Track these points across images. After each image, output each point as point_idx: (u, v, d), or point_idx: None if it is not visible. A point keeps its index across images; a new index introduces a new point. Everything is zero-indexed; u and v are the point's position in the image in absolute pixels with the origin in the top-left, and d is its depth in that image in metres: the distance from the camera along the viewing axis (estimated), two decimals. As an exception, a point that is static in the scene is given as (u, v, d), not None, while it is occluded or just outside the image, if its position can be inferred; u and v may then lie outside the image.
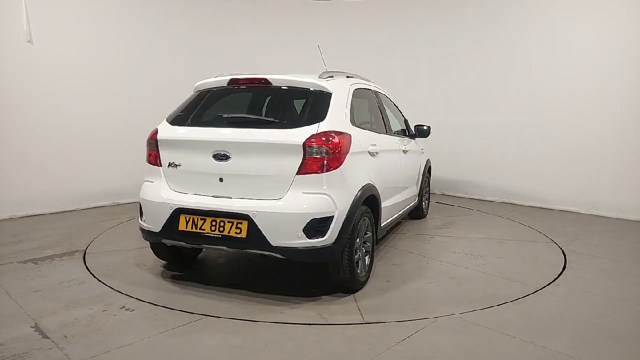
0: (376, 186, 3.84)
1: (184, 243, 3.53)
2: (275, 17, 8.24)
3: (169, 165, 3.59)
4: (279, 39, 8.13)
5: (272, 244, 3.22)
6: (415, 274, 4.10)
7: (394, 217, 4.74)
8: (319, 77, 3.74)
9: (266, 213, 3.22)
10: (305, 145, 3.22)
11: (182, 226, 3.43)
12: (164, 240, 3.62)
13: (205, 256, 4.53)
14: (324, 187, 3.25)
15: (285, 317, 3.21)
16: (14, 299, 3.44)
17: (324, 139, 3.26)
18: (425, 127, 5.54)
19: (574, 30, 6.60)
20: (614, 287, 3.86)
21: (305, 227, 3.18)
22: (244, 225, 3.26)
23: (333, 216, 3.24)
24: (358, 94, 4.12)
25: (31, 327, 3.01)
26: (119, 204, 6.75)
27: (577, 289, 3.81)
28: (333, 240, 3.26)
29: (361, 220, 3.55)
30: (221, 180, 3.41)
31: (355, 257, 3.54)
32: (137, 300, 3.46)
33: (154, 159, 3.69)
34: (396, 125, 5.33)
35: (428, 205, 6.49)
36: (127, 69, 6.87)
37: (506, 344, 2.88)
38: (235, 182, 3.38)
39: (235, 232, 3.28)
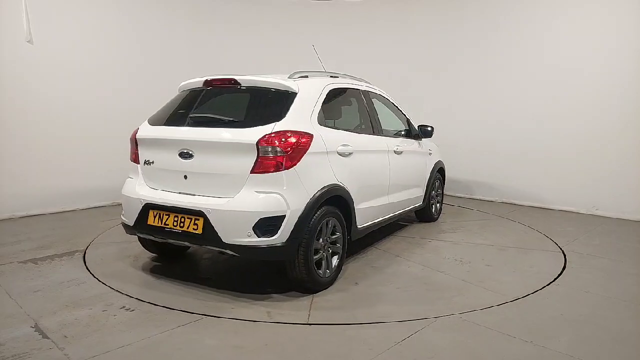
0: (347, 187, 3.82)
1: (152, 237, 3.73)
2: (275, 17, 8.25)
3: (145, 162, 3.80)
4: (279, 39, 8.13)
5: (224, 240, 3.30)
6: (388, 279, 3.98)
7: (381, 219, 4.63)
8: (289, 77, 3.80)
9: (219, 210, 3.30)
10: (258, 144, 3.28)
11: (150, 221, 3.62)
12: (137, 234, 3.85)
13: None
14: (277, 187, 3.29)
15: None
16: (14, 299, 3.44)
17: (277, 138, 3.31)
18: (429, 128, 5.49)
19: (574, 31, 6.60)
20: (614, 287, 3.86)
21: (254, 225, 3.24)
22: (200, 222, 3.37)
23: (285, 215, 3.27)
24: (336, 93, 4.16)
25: (31, 327, 3.01)
26: (119, 204, 6.72)
27: (577, 289, 3.81)
28: (284, 240, 3.29)
29: (323, 221, 3.58)
30: (186, 177, 3.56)
31: (316, 257, 3.56)
32: (137, 300, 3.46)
33: (134, 156, 3.92)
34: (397, 126, 5.30)
35: (440, 208, 6.29)
36: (127, 69, 6.87)
37: (506, 344, 2.88)
38: (197, 179, 3.52)
39: (193, 228, 3.40)
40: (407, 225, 5.85)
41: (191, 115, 3.75)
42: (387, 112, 5.23)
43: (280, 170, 3.29)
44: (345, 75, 4.60)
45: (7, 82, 5.84)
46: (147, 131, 3.84)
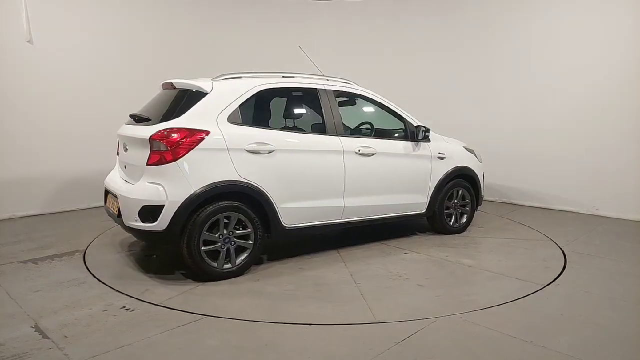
0: (260, 184, 3.94)
1: (109, 215, 4.30)
2: (275, 17, 8.24)
3: (117, 154, 4.56)
4: (278, 39, 8.12)
5: (124, 222, 3.81)
6: (289, 280, 3.91)
7: (337, 221, 4.53)
8: (213, 79, 4.12)
9: (122, 196, 3.85)
10: (150, 139, 3.71)
11: (106, 202, 4.35)
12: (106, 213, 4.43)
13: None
14: (160, 178, 3.66)
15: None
16: (14, 299, 3.45)
17: (164, 134, 3.68)
18: (422, 129, 5.03)
19: (574, 31, 6.59)
20: (614, 287, 3.86)
21: (139, 211, 3.66)
22: (117, 205, 3.95)
23: (164, 205, 3.60)
24: (271, 94, 4.40)
25: (31, 327, 3.01)
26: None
27: (577, 289, 3.81)
28: (164, 227, 3.62)
29: (221, 215, 3.79)
30: (125, 167, 4.24)
31: (208, 247, 3.78)
32: (137, 300, 3.46)
33: (117, 150, 4.58)
34: (390, 127, 5.09)
35: (467, 221, 5.54)
36: (128, 68, 6.86)
37: (506, 344, 2.88)
38: (129, 169, 4.13)
39: (115, 210, 4.01)
40: (412, 234, 5.46)
41: (137, 115, 4.21)
42: (374, 113, 5.09)
43: (164, 164, 3.65)
44: (299, 75, 4.57)
45: (7, 82, 5.85)
46: (121, 128, 4.41)
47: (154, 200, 3.61)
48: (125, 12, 6.84)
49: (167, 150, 3.64)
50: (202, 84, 4.00)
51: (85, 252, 4.59)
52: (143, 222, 3.66)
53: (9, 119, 5.88)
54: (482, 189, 5.72)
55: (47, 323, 3.06)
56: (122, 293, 3.58)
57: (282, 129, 4.40)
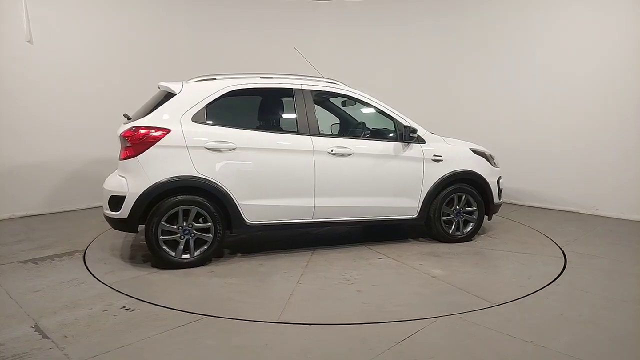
0: (219, 181, 4.12)
1: None
2: (275, 17, 8.24)
3: None
4: (278, 39, 8.12)
5: (103, 211, 4.23)
6: (230, 273, 4.06)
7: (308, 220, 4.52)
8: (187, 81, 4.39)
9: (102, 189, 4.25)
10: (120, 136, 4.15)
11: None
12: None
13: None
14: (125, 172, 4.07)
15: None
16: (14, 299, 3.45)
17: (130, 132, 4.04)
18: (409, 130, 4.77)
19: (574, 31, 6.59)
20: (614, 287, 3.86)
21: (108, 201, 4.10)
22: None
23: (125, 196, 3.97)
24: (239, 94, 4.42)
25: (31, 327, 3.01)
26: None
27: (577, 289, 3.81)
28: (126, 216, 4.00)
29: (180, 208, 4.05)
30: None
31: (166, 237, 4.03)
32: (137, 300, 3.46)
33: None
34: (379, 127, 5.02)
35: (472, 230, 5.10)
36: (128, 69, 6.87)
37: (506, 344, 2.88)
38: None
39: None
40: (403, 240, 5.19)
41: (126, 114, 4.53)
42: (361, 114, 5.05)
43: (128, 159, 4.02)
44: (277, 75, 4.64)
45: (7, 82, 5.84)
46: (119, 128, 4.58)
47: (118, 191, 4.03)
48: (125, 13, 6.84)
49: (130, 147, 4.02)
50: (173, 85, 4.30)
51: (85, 252, 4.59)
52: (111, 210, 4.09)
53: (9, 119, 5.88)
54: (496, 196, 5.23)
55: (47, 323, 3.06)
56: (122, 293, 3.58)
57: (253, 128, 4.45)
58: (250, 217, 4.30)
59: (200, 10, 7.68)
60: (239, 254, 4.60)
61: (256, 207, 4.30)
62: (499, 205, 5.40)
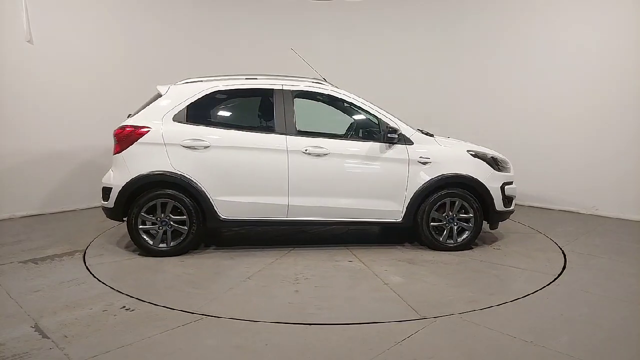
0: (193, 176, 4.38)
1: None
2: (275, 17, 8.24)
3: None
4: (278, 39, 8.12)
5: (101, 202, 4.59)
6: (204, 267, 4.22)
7: (283, 219, 4.57)
8: (176, 83, 4.65)
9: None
10: (113, 134, 4.50)
11: None
12: None
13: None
14: (114, 166, 4.48)
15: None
16: (14, 299, 3.45)
17: (119, 130, 4.45)
18: (393, 131, 4.60)
19: (574, 31, 6.60)
20: (614, 287, 3.86)
21: (102, 191, 4.50)
22: None
23: (112, 187, 4.40)
24: (221, 95, 4.69)
25: (31, 327, 3.01)
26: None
27: (577, 289, 3.81)
28: (112, 205, 4.42)
29: (153, 200, 4.37)
30: None
31: (144, 227, 4.40)
32: (137, 300, 3.46)
33: None
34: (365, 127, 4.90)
35: (467, 238, 4.73)
36: (129, 69, 6.87)
37: (506, 344, 2.88)
38: None
39: None
40: (394, 247, 4.84)
41: (130, 114, 4.70)
42: (343, 114, 5.02)
43: (116, 154, 4.44)
44: (262, 76, 4.79)
45: (6, 82, 5.84)
46: None
47: (107, 183, 4.47)
48: (125, 13, 6.85)
49: (118, 143, 4.44)
50: (163, 87, 4.62)
51: (85, 252, 4.59)
52: (103, 200, 4.52)
53: (8, 120, 5.87)
54: (500, 203, 4.78)
55: (47, 323, 3.06)
56: (122, 293, 3.58)
57: (230, 127, 4.60)
58: (224, 212, 4.50)
59: (200, 10, 7.68)
60: (213, 247, 4.82)
61: (229, 203, 4.49)
62: (507, 212, 4.93)
